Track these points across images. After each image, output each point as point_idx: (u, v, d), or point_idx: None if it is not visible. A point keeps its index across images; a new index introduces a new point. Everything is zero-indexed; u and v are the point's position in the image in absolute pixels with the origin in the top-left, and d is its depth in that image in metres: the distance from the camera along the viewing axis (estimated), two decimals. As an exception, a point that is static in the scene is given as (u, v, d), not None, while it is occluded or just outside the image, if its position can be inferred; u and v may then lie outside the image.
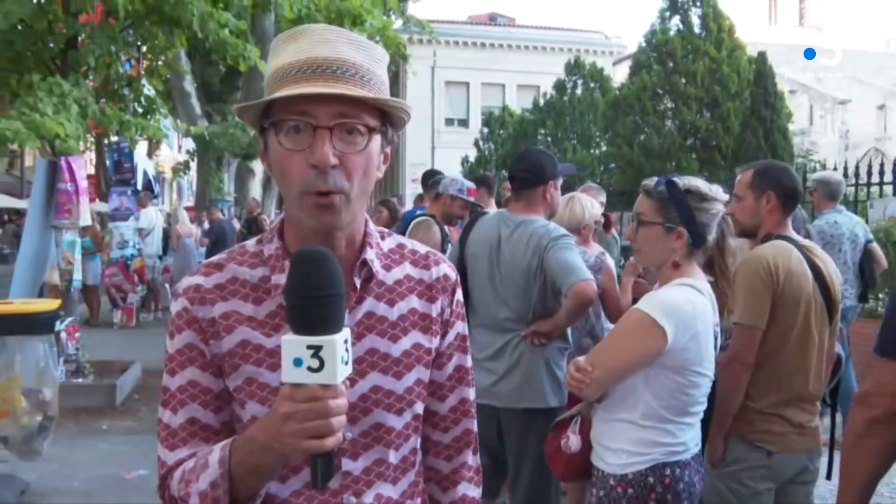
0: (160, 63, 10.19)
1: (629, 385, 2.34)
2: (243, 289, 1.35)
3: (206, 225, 13.71)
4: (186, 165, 16.66)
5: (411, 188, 29.11)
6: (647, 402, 2.32)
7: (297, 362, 1.08)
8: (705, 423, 2.60)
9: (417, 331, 1.42)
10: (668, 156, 14.45)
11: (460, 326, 1.51)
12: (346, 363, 1.12)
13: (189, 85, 15.16)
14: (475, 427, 1.56)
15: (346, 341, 1.12)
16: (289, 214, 1.37)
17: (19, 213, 23.61)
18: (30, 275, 7.23)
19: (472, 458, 1.56)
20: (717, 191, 2.40)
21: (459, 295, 1.51)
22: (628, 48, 34.78)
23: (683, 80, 14.75)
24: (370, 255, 1.38)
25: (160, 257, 13.98)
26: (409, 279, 1.43)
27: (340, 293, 1.12)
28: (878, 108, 40.32)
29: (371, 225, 1.43)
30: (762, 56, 13.61)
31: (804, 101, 41.41)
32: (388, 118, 1.34)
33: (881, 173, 8.56)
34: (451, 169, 24.94)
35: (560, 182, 3.68)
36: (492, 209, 5.31)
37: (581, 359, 2.41)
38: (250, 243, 1.42)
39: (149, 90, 8.96)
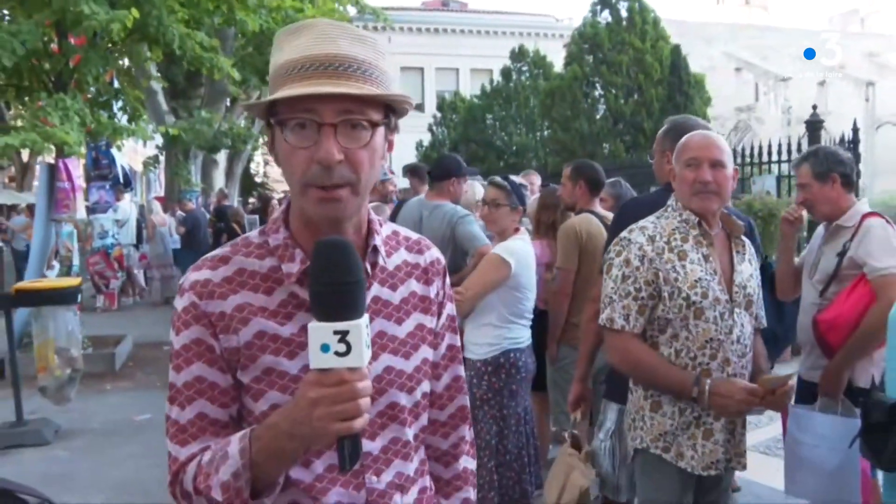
0: (133, 71, 11.36)
1: (488, 300, 3.75)
2: (252, 280, 1.36)
3: (179, 214, 14.89)
4: (156, 159, 17.74)
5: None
6: (499, 311, 3.75)
7: (325, 348, 1.11)
8: (544, 336, 4.06)
9: (419, 312, 1.47)
10: (599, 140, 15.93)
11: (450, 308, 1.57)
12: (369, 347, 1.16)
13: (156, 84, 16.24)
14: (468, 402, 1.65)
15: (367, 325, 1.15)
16: (294, 205, 1.39)
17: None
18: (39, 261, 8.52)
19: (467, 433, 1.64)
20: (526, 180, 3.87)
21: (447, 278, 1.57)
22: (577, 31, 36.04)
23: (612, 70, 16.22)
24: (378, 241, 1.41)
25: (135, 246, 15.19)
26: (407, 264, 1.48)
27: (361, 280, 1.16)
28: (818, 85, 41.81)
29: (372, 213, 1.45)
30: (676, 49, 15.23)
31: (749, 78, 42.97)
32: (391, 108, 1.36)
33: (760, 154, 10.12)
34: (408, 153, 25.93)
35: (464, 180, 5.07)
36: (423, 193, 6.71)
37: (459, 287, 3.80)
38: (253, 235, 1.43)
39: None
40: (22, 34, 7.14)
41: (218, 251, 1.41)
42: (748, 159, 10.17)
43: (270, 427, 1.22)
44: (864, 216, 3.37)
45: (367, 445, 1.37)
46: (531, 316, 3.89)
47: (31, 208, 18.73)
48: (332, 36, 1.28)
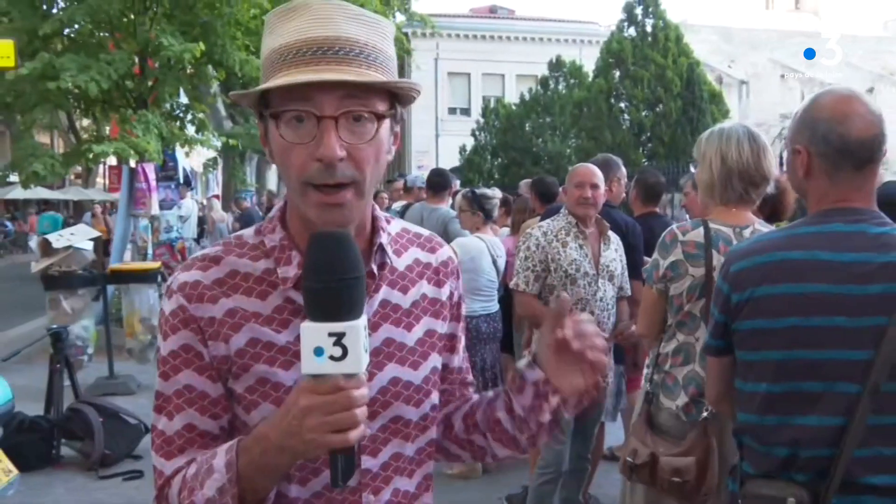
0: (200, 88, 13.06)
1: None
2: (245, 283, 1.26)
3: (235, 211, 16.51)
4: (215, 161, 19.44)
5: (416, 174, 29.86)
6: None
7: (318, 352, 1.02)
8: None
9: (429, 316, 1.38)
10: (622, 149, 17.11)
11: (464, 309, 1.53)
12: (367, 351, 1.06)
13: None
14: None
15: (365, 327, 1.06)
16: (292, 204, 1.27)
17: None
18: (119, 249, 10.20)
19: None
20: (495, 192, 5.20)
21: (461, 279, 1.52)
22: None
23: (634, 84, 17.41)
24: (385, 239, 1.32)
25: (196, 240, 16.87)
26: (418, 263, 1.39)
27: (362, 276, 1.07)
28: (868, 92, 41.64)
29: (377, 209, 1.35)
30: (691, 65, 16.41)
31: (795, 85, 43.30)
32: (397, 97, 1.23)
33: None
34: (453, 155, 26.71)
35: (454, 188, 6.46)
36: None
37: None
38: (248, 233, 1.32)
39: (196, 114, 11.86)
40: (115, 62, 8.77)
41: (209, 250, 1.31)
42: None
43: (259, 439, 1.13)
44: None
45: (367, 462, 1.28)
46: (490, 293, 5.13)
47: (99, 205, 20.63)
48: (329, 16, 1.17)
